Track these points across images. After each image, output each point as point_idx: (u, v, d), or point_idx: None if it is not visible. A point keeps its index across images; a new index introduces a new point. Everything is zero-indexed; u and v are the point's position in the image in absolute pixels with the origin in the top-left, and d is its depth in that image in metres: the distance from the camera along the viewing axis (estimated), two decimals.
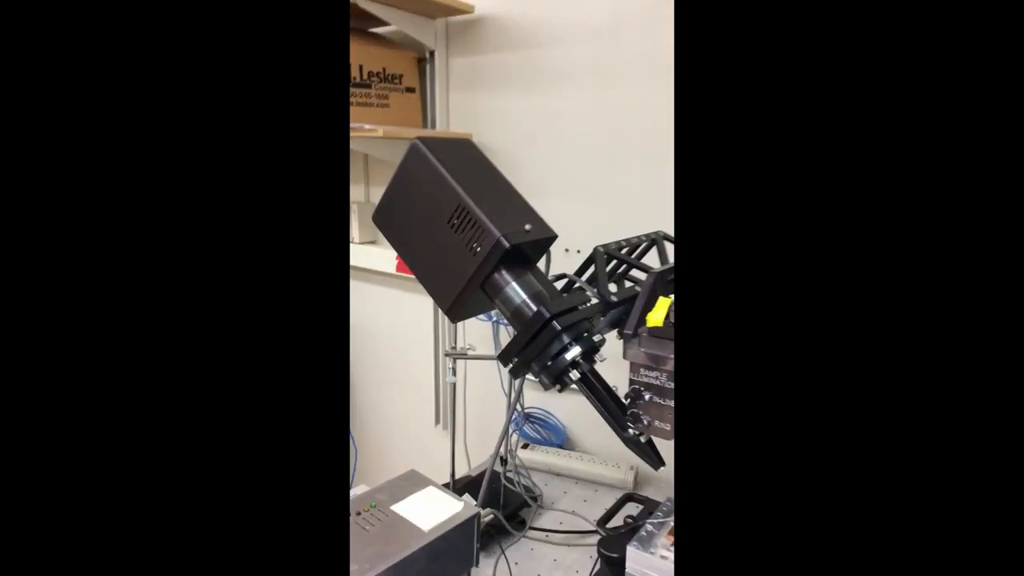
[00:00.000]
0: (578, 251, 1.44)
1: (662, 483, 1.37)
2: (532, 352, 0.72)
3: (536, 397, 1.61)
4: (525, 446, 1.49)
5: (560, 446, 1.55)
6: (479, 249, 0.75)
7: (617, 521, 1.20)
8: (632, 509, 1.25)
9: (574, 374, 0.72)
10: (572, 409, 1.58)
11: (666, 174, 1.37)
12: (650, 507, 1.21)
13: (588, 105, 1.45)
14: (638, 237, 1.01)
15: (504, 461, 1.29)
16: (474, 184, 0.79)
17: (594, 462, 1.42)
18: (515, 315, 0.76)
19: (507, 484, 1.26)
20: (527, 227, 0.78)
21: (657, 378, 0.63)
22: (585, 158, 1.47)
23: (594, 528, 1.21)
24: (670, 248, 1.04)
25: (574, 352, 0.71)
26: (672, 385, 0.62)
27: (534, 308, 0.74)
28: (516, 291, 0.76)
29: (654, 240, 1.03)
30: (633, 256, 0.99)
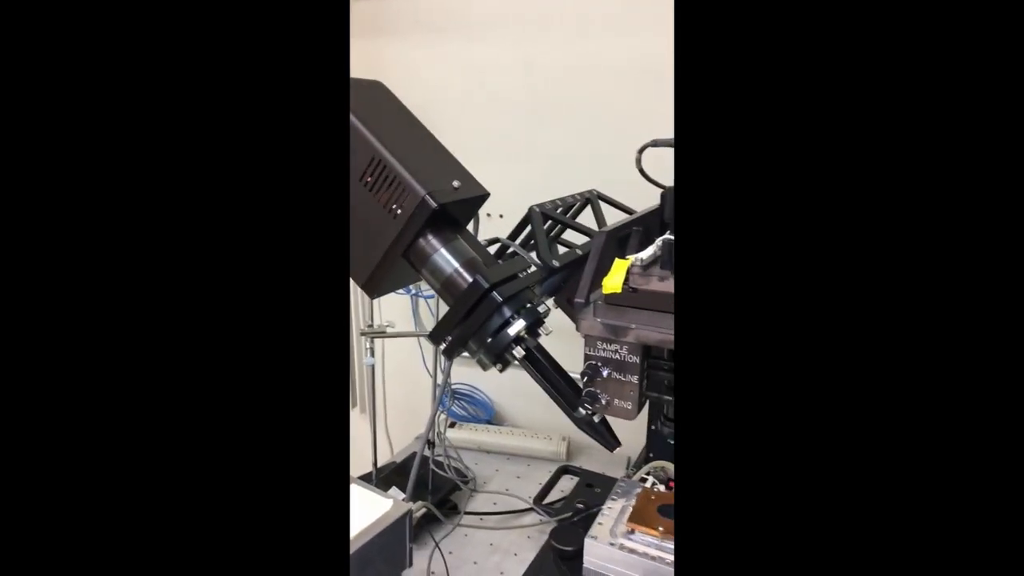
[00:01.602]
0: (500, 215, 1.34)
1: (595, 452, 1.34)
2: (469, 328, 0.62)
3: (461, 372, 1.52)
4: (452, 425, 1.40)
5: (488, 422, 1.48)
6: (400, 211, 0.64)
7: (553, 495, 1.15)
8: (568, 483, 1.20)
9: (518, 351, 0.63)
10: (499, 382, 1.50)
11: (592, 132, 1.29)
12: (587, 480, 1.16)
13: (508, 57, 1.33)
14: (572, 196, 0.93)
15: (432, 444, 1.20)
16: (390, 134, 0.66)
17: (525, 436, 1.36)
18: (446, 287, 0.66)
19: (435, 469, 1.17)
20: (455, 184, 0.67)
21: (617, 351, 0.56)
22: (505, 114, 1.36)
23: (530, 506, 1.15)
24: (606, 207, 0.97)
25: (518, 326, 0.62)
26: (635, 359, 0.55)
27: (469, 278, 0.64)
28: (446, 259, 0.66)
29: (588, 199, 0.96)
30: (568, 216, 0.90)
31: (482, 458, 1.34)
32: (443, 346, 0.65)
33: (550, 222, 0.87)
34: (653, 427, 0.90)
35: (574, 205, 0.93)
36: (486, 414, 1.49)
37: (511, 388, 1.52)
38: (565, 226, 0.88)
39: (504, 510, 1.16)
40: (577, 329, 0.58)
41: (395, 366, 1.53)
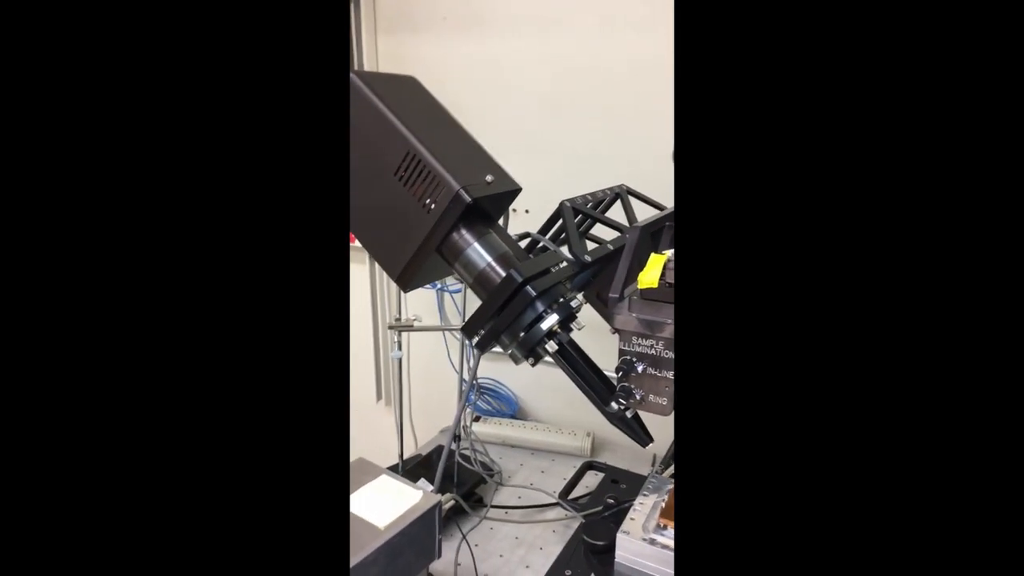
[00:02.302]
0: (527, 211, 1.34)
1: (619, 448, 1.33)
2: (503, 322, 0.63)
3: (485, 367, 1.53)
4: (476, 419, 1.41)
5: (512, 416, 1.48)
6: (434, 205, 0.64)
7: (578, 491, 1.15)
8: (593, 478, 1.20)
9: (551, 345, 0.63)
10: (523, 377, 1.51)
11: (617, 126, 1.28)
12: (612, 475, 1.16)
13: (532, 53, 1.33)
14: (602, 191, 0.93)
15: (457, 438, 1.20)
16: (424, 128, 0.66)
17: (549, 431, 1.36)
18: (480, 281, 0.66)
19: (461, 462, 1.17)
20: (488, 179, 0.68)
21: (652, 347, 0.56)
22: (530, 110, 1.36)
23: (555, 500, 1.15)
24: (635, 202, 0.97)
25: (551, 320, 0.62)
26: (671, 354, 0.54)
27: (503, 272, 0.64)
28: (479, 253, 0.66)
29: (618, 194, 0.95)
30: (597, 211, 0.90)
31: (506, 452, 1.35)
32: (476, 340, 0.66)
33: (580, 216, 0.87)
34: None
35: (604, 200, 0.93)
36: (510, 409, 1.49)
37: (535, 383, 1.52)
38: (595, 221, 0.87)
39: (529, 504, 1.17)
40: (611, 324, 0.58)
41: (419, 361, 1.54)
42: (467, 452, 1.19)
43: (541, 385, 1.50)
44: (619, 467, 1.22)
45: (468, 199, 0.62)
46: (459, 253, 0.66)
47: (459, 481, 1.16)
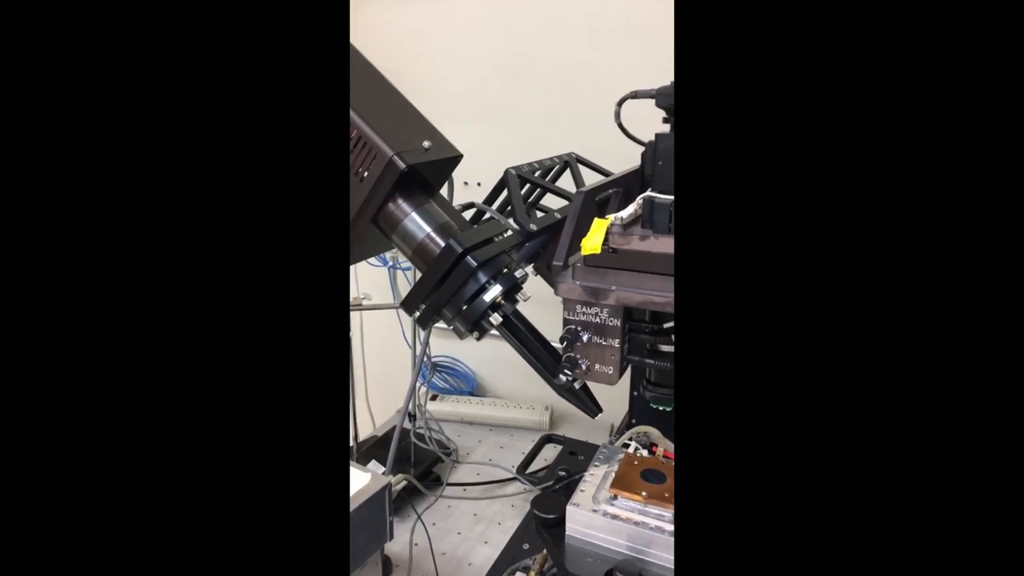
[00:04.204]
0: (478, 183, 1.31)
1: (578, 420, 1.34)
2: (443, 295, 0.60)
3: (443, 344, 1.50)
4: (434, 397, 1.39)
5: (471, 393, 1.46)
6: (367, 174, 0.60)
7: (538, 465, 1.15)
8: (552, 451, 1.20)
9: (495, 317, 0.61)
10: (481, 354, 1.49)
11: (570, 91, 1.25)
12: (570, 448, 1.16)
13: (482, 12, 1.28)
14: (550, 159, 0.90)
15: (412, 417, 1.18)
16: (357, 95, 0.62)
17: (508, 406, 1.36)
18: (419, 253, 0.63)
19: (416, 442, 1.15)
20: (425, 144, 0.64)
21: (597, 315, 0.54)
22: (479, 75, 1.32)
23: (513, 475, 1.15)
24: (586, 171, 0.95)
25: (494, 292, 0.59)
26: (616, 322, 0.53)
27: (442, 242, 0.61)
28: (417, 224, 0.63)
29: (567, 162, 0.93)
30: (546, 180, 0.87)
31: (465, 429, 1.33)
32: (417, 315, 0.63)
33: (528, 186, 0.85)
34: (636, 392, 0.89)
35: (552, 168, 0.90)
36: (468, 386, 1.47)
37: (493, 359, 1.50)
38: (544, 190, 0.85)
39: (487, 480, 1.16)
40: (556, 293, 0.56)
41: (376, 341, 1.51)
42: (423, 431, 1.17)
43: (499, 361, 1.48)
44: (578, 439, 1.22)
45: (402, 166, 0.58)
46: (396, 224, 0.63)
47: (416, 461, 1.14)
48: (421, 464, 1.14)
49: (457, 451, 1.23)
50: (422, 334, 0.97)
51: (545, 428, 1.31)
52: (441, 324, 0.66)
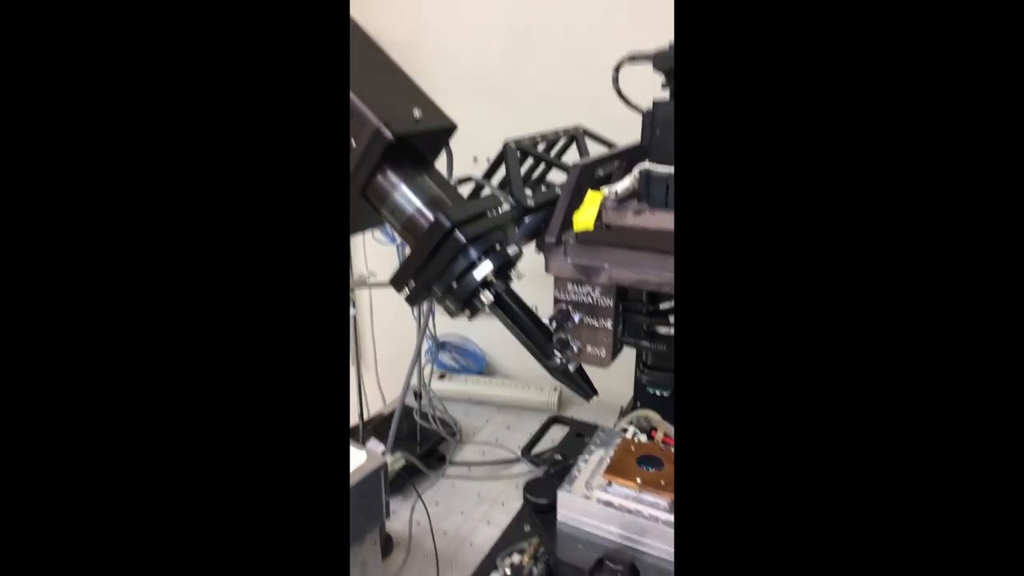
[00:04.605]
0: (488, 159, 1.27)
1: (587, 402, 1.31)
2: (432, 272, 0.57)
3: (452, 323, 1.48)
4: (442, 376, 1.38)
5: (480, 373, 1.45)
6: (354, 143, 0.58)
7: (544, 445, 1.13)
8: (559, 432, 1.18)
9: (486, 296, 0.58)
10: (491, 333, 1.47)
11: (581, 63, 1.20)
12: (577, 430, 1.14)
13: None
14: (555, 132, 0.86)
15: (418, 396, 1.17)
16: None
17: (515, 386, 1.34)
18: (408, 227, 0.60)
19: (419, 420, 1.14)
20: (416, 113, 0.61)
21: (589, 295, 0.51)
22: (486, 47, 1.27)
23: (517, 456, 1.13)
24: (592, 144, 0.91)
25: (484, 269, 0.57)
26: (609, 302, 0.50)
27: (432, 217, 0.59)
28: (407, 197, 0.60)
29: (573, 136, 0.89)
30: (552, 154, 0.84)
31: (472, 409, 1.32)
32: (406, 293, 0.61)
33: (533, 161, 0.81)
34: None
35: (557, 141, 0.86)
36: (477, 365, 1.46)
37: (503, 339, 1.47)
38: (550, 165, 0.81)
39: (492, 460, 1.15)
40: (546, 270, 0.53)
41: (385, 319, 1.50)
42: (427, 410, 1.16)
43: (509, 340, 1.45)
44: (585, 420, 1.20)
45: (389, 136, 0.56)
46: (385, 197, 0.60)
47: (422, 440, 1.14)
48: (427, 443, 1.13)
49: (462, 431, 1.22)
50: (424, 309, 0.95)
51: (553, 409, 1.29)
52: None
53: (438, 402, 1.20)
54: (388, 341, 1.53)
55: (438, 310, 1.03)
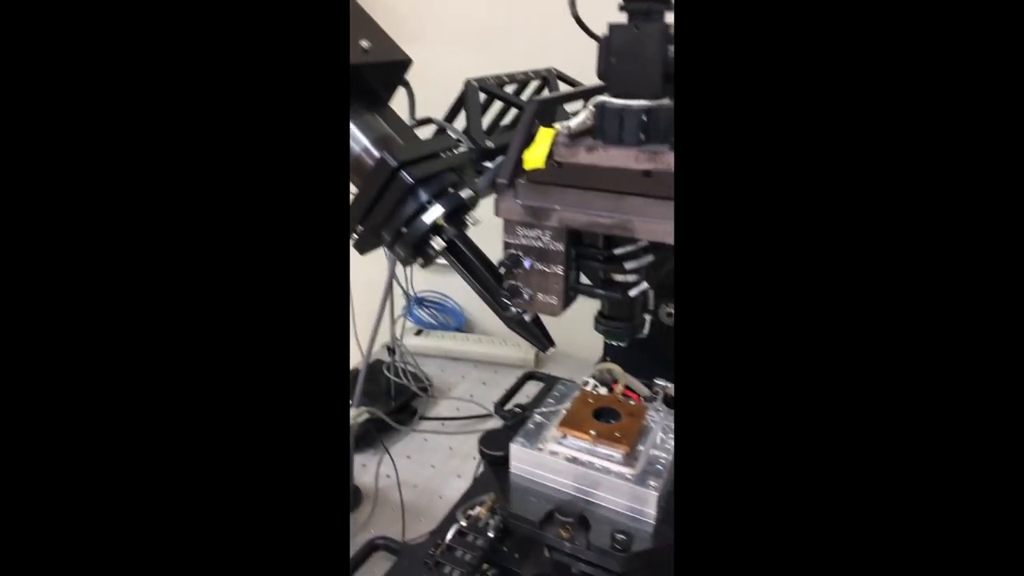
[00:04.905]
0: None
1: (564, 357, 1.30)
2: (379, 215, 0.54)
3: (431, 279, 1.45)
4: (419, 333, 1.36)
5: (459, 329, 1.43)
6: None
7: (519, 400, 1.12)
8: (534, 388, 1.17)
9: (438, 242, 0.55)
10: (471, 290, 1.44)
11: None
12: (551, 385, 1.13)
13: None
14: (524, 73, 0.82)
15: (392, 351, 1.15)
16: None
17: (492, 343, 1.32)
18: (354, 168, 0.57)
19: (388, 375, 1.13)
20: (364, 44, 0.57)
21: (539, 238, 0.48)
22: None
23: (490, 412, 1.12)
24: (565, 88, 0.86)
25: (434, 212, 0.54)
26: (560, 246, 0.47)
27: (377, 155, 0.55)
28: (353, 135, 0.57)
29: (545, 78, 0.84)
30: (521, 97, 0.79)
31: (449, 365, 1.31)
32: (354, 238, 0.58)
33: (501, 105, 0.77)
34: None
35: (528, 84, 0.82)
36: (456, 322, 1.44)
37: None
38: (514, 106, 0.77)
39: (465, 415, 1.14)
40: (496, 213, 0.50)
41: (363, 273, 1.47)
42: (399, 365, 1.15)
43: None
44: (562, 376, 1.19)
45: None
46: None
47: (396, 395, 1.13)
48: (401, 398, 1.12)
49: (434, 386, 1.21)
50: (387, 260, 0.92)
51: (531, 365, 1.28)
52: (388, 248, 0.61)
53: (411, 358, 1.18)
54: (363, 295, 1.50)
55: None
